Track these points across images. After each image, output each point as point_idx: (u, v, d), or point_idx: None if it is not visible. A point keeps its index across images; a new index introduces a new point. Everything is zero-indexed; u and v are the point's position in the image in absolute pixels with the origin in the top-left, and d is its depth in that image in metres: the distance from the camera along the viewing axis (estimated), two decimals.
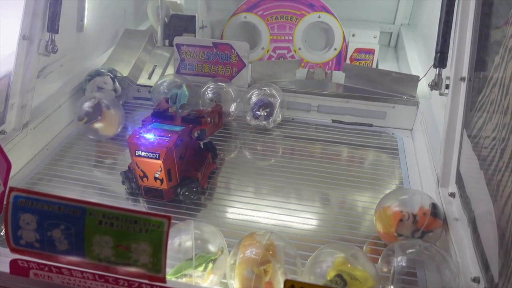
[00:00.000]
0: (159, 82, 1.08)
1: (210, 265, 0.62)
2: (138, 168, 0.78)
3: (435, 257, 0.62)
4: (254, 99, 1.03)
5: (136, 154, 0.77)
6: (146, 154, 0.76)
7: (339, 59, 1.39)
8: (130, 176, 0.83)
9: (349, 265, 0.59)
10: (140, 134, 0.78)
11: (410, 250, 0.63)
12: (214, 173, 0.92)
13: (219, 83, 1.06)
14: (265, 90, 1.03)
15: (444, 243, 0.71)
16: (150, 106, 1.15)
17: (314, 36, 1.42)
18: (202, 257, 0.62)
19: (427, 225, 0.69)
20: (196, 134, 0.86)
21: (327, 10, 1.33)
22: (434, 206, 0.71)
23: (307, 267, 0.62)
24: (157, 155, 0.76)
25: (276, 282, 0.60)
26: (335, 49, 1.37)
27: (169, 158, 0.77)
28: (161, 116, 0.86)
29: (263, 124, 1.04)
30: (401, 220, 0.69)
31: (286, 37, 1.38)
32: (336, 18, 1.33)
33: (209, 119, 0.91)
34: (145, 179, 0.79)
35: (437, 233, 0.71)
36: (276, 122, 1.05)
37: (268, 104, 1.02)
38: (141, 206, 0.83)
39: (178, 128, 0.82)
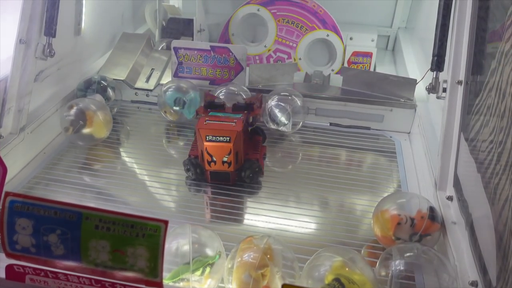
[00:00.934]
0: (166, 87, 1.07)
1: (208, 269, 0.62)
2: (207, 153, 0.83)
3: (433, 260, 0.62)
4: (275, 103, 1.02)
5: (207, 139, 0.82)
6: (217, 138, 0.82)
7: None
8: (195, 163, 0.87)
9: (347, 269, 0.59)
10: (208, 121, 0.84)
11: (408, 254, 0.63)
12: None
13: (230, 88, 1.05)
14: (288, 96, 1.02)
15: (442, 247, 0.71)
16: (148, 110, 1.16)
17: (316, 51, 1.42)
18: (199, 261, 0.62)
19: (425, 228, 0.69)
20: (251, 119, 0.93)
21: (336, 32, 1.34)
22: (431, 209, 0.71)
23: (305, 271, 0.61)
24: (228, 138, 0.82)
25: (273, 286, 0.60)
26: (332, 70, 1.38)
27: (238, 141, 0.83)
28: (213, 105, 0.92)
29: (282, 128, 1.03)
30: (398, 223, 0.69)
31: (291, 43, 1.38)
32: (342, 41, 1.34)
33: (258, 104, 0.96)
34: (212, 163, 0.84)
35: (435, 236, 0.70)
36: (297, 127, 1.04)
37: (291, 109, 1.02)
38: (207, 190, 0.88)
39: (238, 115, 0.88)
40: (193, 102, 1.06)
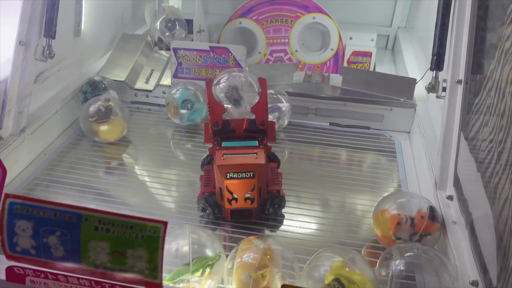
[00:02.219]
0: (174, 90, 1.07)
1: (208, 270, 0.62)
2: (228, 191, 0.74)
3: (434, 260, 0.62)
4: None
5: (228, 177, 0.73)
6: (239, 175, 0.73)
7: (337, 62, 1.40)
8: (212, 202, 0.78)
9: (347, 269, 0.59)
10: (226, 155, 0.75)
11: (408, 254, 0.63)
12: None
13: (233, 73, 0.85)
14: (272, 94, 1.02)
15: (442, 246, 0.71)
16: (147, 111, 1.16)
17: (310, 38, 1.42)
18: (199, 262, 0.62)
19: (425, 228, 0.69)
20: (268, 144, 0.84)
21: (321, 11, 1.33)
22: (432, 209, 0.71)
23: (305, 271, 0.61)
24: (252, 174, 0.73)
25: (273, 287, 0.60)
26: (331, 49, 1.37)
27: (262, 175, 0.75)
28: (222, 132, 0.81)
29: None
30: (398, 223, 0.69)
31: (282, 40, 1.38)
32: (330, 18, 1.33)
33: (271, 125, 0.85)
34: (233, 201, 0.76)
35: (435, 236, 0.70)
36: (282, 126, 1.04)
37: (276, 109, 1.01)
38: (227, 230, 0.78)
39: (254, 143, 0.79)
40: (196, 112, 1.06)
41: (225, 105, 0.81)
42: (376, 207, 0.74)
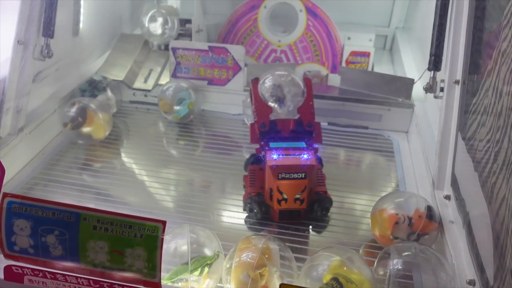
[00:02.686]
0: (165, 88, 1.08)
1: (206, 269, 0.62)
2: (278, 191, 0.75)
3: (431, 259, 0.62)
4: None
5: (280, 177, 0.74)
6: (291, 176, 0.74)
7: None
8: (260, 201, 0.78)
9: (345, 268, 0.59)
10: (277, 156, 0.76)
11: (406, 253, 0.63)
12: (204, 177, 0.92)
13: (277, 73, 0.87)
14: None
15: (440, 246, 0.71)
16: (146, 110, 1.16)
17: (280, 23, 1.40)
18: (198, 261, 0.62)
19: (422, 227, 0.69)
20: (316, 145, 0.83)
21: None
22: (429, 208, 0.71)
23: (303, 270, 0.62)
24: (303, 174, 0.74)
25: (272, 286, 0.60)
26: (300, 10, 1.29)
27: (313, 176, 0.76)
28: (269, 133, 0.81)
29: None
30: (396, 223, 0.70)
31: (262, 45, 1.36)
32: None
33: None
34: (283, 202, 0.76)
35: (432, 235, 0.71)
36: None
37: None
38: (273, 231, 0.78)
39: (302, 144, 0.79)
40: (183, 107, 1.06)
41: (270, 103, 0.83)
42: (374, 207, 0.74)
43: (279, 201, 0.76)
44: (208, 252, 0.63)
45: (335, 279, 0.58)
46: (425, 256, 0.62)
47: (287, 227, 0.79)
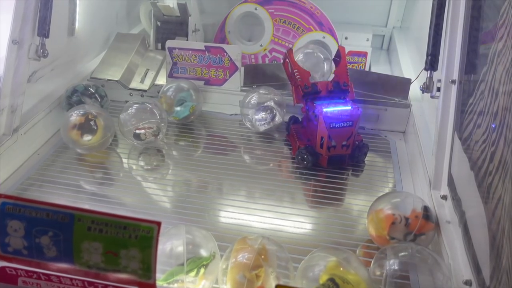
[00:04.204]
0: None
1: (202, 270, 0.62)
2: (329, 139, 0.87)
3: (427, 260, 0.62)
4: (254, 103, 1.02)
5: (331, 126, 0.87)
6: (341, 124, 0.87)
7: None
8: (312, 151, 0.91)
9: (341, 269, 0.59)
10: (327, 108, 0.88)
11: (402, 253, 0.63)
12: (200, 178, 0.92)
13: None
14: (265, 94, 1.02)
15: (436, 246, 0.71)
16: None
17: (311, 54, 1.42)
18: (193, 262, 0.62)
19: (419, 228, 0.69)
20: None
21: (333, 34, 1.33)
22: (426, 209, 0.71)
23: (299, 271, 0.61)
24: (351, 122, 0.87)
25: (268, 287, 0.60)
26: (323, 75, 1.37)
27: (357, 124, 0.88)
28: (311, 93, 0.93)
29: (264, 128, 1.03)
30: (393, 223, 0.69)
31: (287, 44, 1.38)
32: (337, 43, 1.33)
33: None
34: (332, 149, 0.89)
35: (429, 236, 0.71)
36: (276, 125, 1.05)
37: (269, 108, 1.02)
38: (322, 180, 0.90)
39: (341, 100, 0.92)
40: (184, 109, 1.06)
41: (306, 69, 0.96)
42: (370, 207, 0.74)
43: (328, 148, 0.89)
44: (204, 253, 0.63)
45: (331, 279, 0.58)
46: (421, 257, 0.62)
47: (331, 171, 0.92)
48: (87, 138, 0.92)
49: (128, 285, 0.48)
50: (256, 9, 1.36)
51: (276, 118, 1.03)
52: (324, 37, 1.34)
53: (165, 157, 1.00)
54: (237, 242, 0.64)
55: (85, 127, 0.91)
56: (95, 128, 0.92)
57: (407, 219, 0.69)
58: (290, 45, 1.37)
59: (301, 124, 1.02)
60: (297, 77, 0.94)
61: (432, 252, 0.64)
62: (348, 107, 0.89)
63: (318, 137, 0.89)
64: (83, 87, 1.04)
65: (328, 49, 1.37)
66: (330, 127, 0.87)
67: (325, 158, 0.90)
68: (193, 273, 0.61)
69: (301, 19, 1.35)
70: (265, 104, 1.02)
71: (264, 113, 1.02)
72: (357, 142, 0.93)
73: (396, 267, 0.62)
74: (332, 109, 0.88)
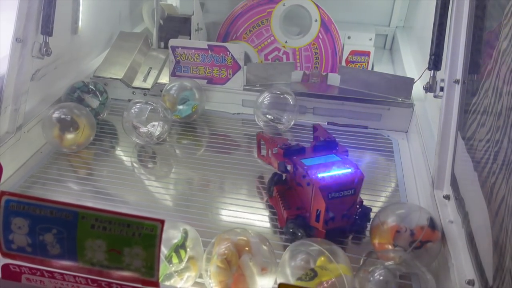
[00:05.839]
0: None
1: (183, 252, 0.62)
2: (327, 212, 0.70)
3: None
4: (267, 102, 1.02)
5: (330, 197, 0.69)
6: (341, 194, 0.69)
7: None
8: (303, 224, 0.73)
9: (322, 259, 0.60)
10: (321, 173, 0.70)
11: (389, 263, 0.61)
12: (203, 176, 0.92)
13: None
14: (278, 94, 1.03)
15: (439, 246, 0.71)
16: None
17: (291, 24, 1.41)
18: (169, 249, 0.62)
19: (424, 237, 0.67)
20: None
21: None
22: (431, 220, 0.69)
23: (282, 259, 0.63)
24: (353, 190, 0.70)
25: (248, 274, 0.61)
26: (315, 20, 1.33)
27: (360, 190, 0.72)
28: (294, 153, 0.77)
29: (277, 127, 1.04)
30: (398, 231, 0.68)
31: (268, 40, 1.38)
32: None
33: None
34: (330, 222, 0.71)
35: (435, 245, 0.68)
36: (289, 125, 1.05)
37: (283, 107, 1.02)
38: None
39: (333, 156, 0.76)
40: (187, 107, 1.06)
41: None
42: (374, 218, 0.72)
43: (326, 222, 0.71)
44: (175, 239, 0.63)
45: (311, 269, 0.59)
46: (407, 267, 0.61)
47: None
48: (70, 136, 0.93)
49: (131, 283, 0.48)
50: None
51: (289, 118, 1.03)
52: (284, 4, 1.31)
53: (168, 156, 1.00)
54: (217, 237, 0.65)
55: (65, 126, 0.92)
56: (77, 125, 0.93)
57: (412, 230, 0.67)
58: (272, 38, 1.36)
59: (286, 185, 0.81)
60: (274, 142, 0.82)
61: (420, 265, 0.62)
62: (348, 170, 0.71)
63: (313, 209, 0.72)
64: (82, 83, 1.05)
65: (300, 6, 1.33)
66: (329, 199, 0.69)
67: (322, 233, 0.72)
68: (175, 260, 0.61)
69: (256, 15, 1.35)
70: (279, 103, 1.01)
71: (277, 111, 1.01)
72: (358, 208, 0.76)
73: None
74: (328, 173, 0.70)
